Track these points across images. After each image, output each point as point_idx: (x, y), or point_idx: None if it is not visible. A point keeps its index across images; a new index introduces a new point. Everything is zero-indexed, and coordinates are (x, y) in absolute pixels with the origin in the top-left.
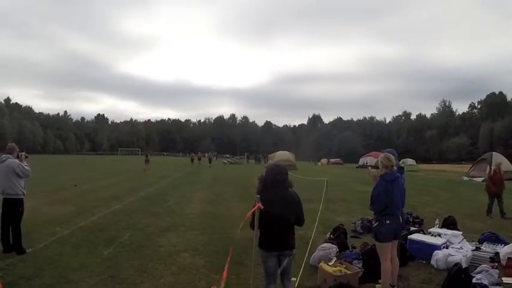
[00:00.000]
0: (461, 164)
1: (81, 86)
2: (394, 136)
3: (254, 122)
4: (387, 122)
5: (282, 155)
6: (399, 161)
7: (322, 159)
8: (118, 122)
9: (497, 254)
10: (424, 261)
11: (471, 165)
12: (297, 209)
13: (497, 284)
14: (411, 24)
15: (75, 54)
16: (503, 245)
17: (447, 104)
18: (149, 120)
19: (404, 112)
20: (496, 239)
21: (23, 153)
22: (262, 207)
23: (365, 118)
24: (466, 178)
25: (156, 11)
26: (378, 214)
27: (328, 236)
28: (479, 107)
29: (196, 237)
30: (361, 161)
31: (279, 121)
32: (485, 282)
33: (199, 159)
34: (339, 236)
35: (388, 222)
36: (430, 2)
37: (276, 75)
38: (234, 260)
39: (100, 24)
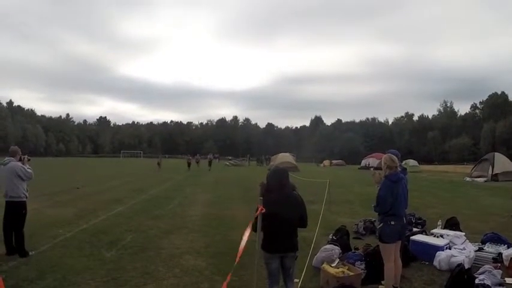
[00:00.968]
0: (464, 164)
1: (83, 89)
2: (396, 137)
3: (256, 124)
4: (390, 123)
5: (283, 157)
6: (402, 162)
7: (324, 161)
8: (120, 124)
9: (500, 254)
10: (427, 262)
11: (473, 166)
12: (300, 210)
13: (500, 285)
14: (413, 25)
15: (77, 57)
16: (506, 245)
17: (448, 104)
18: (151, 122)
19: (407, 113)
20: (498, 240)
21: (26, 156)
22: (264, 210)
23: (368, 119)
24: (468, 179)
25: (157, 13)
26: (383, 215)
27: (330, 237)
28: (481, 107)
29: (199, 239)
30: (364, 162)
31: (281, 123)
32: (488, 282)
33: (197, 162)
34: (341, 238)
35: (393, 223)
36: (431, 2)
37: (277, 76)
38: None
39: (101, 27)
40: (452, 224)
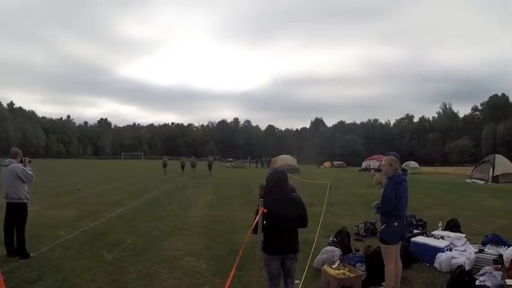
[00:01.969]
0: (464, 166)
1: (83, 91)
2: (396, 139)
3: (257, 126)
4: (391, 124)
5: (284, 159)
6: (402, 163)
7: (325, 163)
8: (121, 126)
9: (500, 256)
10: (427, 264)
11: (474, 168)
12: (300, 211)
13: (500, 286)
14: (413, 27)
15: (78, 59)
16: (506, 247)
17: (448, 106)
18: (152, 124)
19: (407, 115)
20: (499, 241)
21: (27, 158)
22: (265, 211)
23: (369, 121)
24: (469, 180)
25: (158, 14)
26: (385, 216)
27: (331, 239)
28: (481, 109)
29: (200, 241)
30: (364, 164)
31: (282, 124)
32: (489, 284)
33: (192, 165)
34: (342, 239)
35: (395, 224)
36: (432, 4)
37: (277, 78)
38: (238, 264)
39: (102, 29)
40: (452, 226)
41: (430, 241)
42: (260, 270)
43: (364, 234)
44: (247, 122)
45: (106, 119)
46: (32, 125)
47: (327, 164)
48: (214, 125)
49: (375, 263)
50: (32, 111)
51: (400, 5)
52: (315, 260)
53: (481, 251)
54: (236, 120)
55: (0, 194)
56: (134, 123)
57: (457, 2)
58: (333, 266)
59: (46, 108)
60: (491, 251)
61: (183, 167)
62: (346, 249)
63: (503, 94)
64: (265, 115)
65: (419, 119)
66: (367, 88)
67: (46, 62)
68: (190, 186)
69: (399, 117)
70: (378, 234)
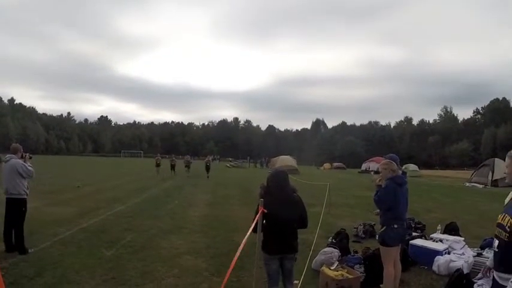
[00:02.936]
0: (464, 170)
1: (84, 88)
2: (396, 141)
3: (258, 126)
4: (392, 126)
5: (284, 160)
6: (401, 166)
7: (324, 164)
8: (121, 124)
9: None
10: (426, 267)
11: (473, 171)
12: (300, 211)
13: None
14: (414, 28)
15: (78, 56)
16: None
17: (448, 109)
18: (152, 122)
19: (406, 117)
20: None
21: (28, 154)
22: (266, 210)
23: (370, 122)
24: (468, 184)
25: (159, 12)
26: (386, 218)
27: (330, 240)
28: (482, 112)
29: (199, 240)
30: (364, 166)
31: (282, 125)
32: (487, 287)
33: (187, 165)
34: (341, 241)
35: (396, 226)
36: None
37: (278, 78)
38: (237, 263)
39: (102, 26)
40: (451, 229)
41: (428, 244)
42: (259, 269)
43: (363, 236)
44: (248, 121)
45: (106, 116)
46: (32, 121)
47: (327, 165)
48: (215, 124)
49: (373, 265)
50: (33, 107)
51: (401, 5)
52: (314, 261)
53: (479, 254)
54: (236, 120)
55: (0, 189)
56: (134, 121)
57: (458, 4)
58: (332, 267)
59: (46, 104)
60: (489, 255)
61: (173, 166)
62: (344, 250)
63: (504, 98)
64: (265, 115)
65: (419, 121)
66: (367, 89)
67: (47, 59)
68: (190, 185)
69: (399, 120)
70: (378, 236)
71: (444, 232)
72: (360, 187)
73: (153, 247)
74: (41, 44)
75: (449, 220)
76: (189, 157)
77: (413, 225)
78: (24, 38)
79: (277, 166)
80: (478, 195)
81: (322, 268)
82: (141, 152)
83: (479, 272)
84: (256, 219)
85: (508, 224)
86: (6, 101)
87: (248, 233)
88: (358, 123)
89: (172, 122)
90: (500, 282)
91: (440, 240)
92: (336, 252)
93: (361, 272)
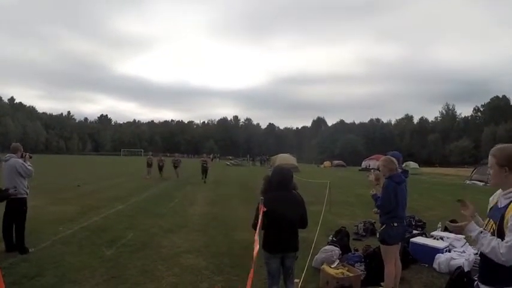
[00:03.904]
0: (464, 167)
1: (84, 87)
2: (397, 139)
3: (258, 124)
4: (392, 124)
5: (284, 158)
6: (402, 164)
7: (325, 162)
8: (121, 122)
9: None
10: (427, 265)
11: (473, 169)
12: (301, 210)
13: None
14: (415, 25)
15: (78, 55)
16: None
17: (451, 107)
18: (152, 121)
19: (406, 115)
20: None
21: (28, 153)
22: (265, 209)
23: (371, 120)
24: (468, 182)
25: (158, 11)
26: (386, 216)
27: (330, 238)
28: (482, 110)
29: (199, 239)
30: (364, 164)
31: (282, 123)
32: None
33: (175, 166)
34: (341, 239)
35: (396, 224)
36: (433, 4)
37: (278, 77)
38: (237, 261)
39: (101, 26)
40: None
41: (429, 242)
42: (260, 268)
43: (364, 233)
44: (248, 120)
45: (106, 115)
46: (32, 120)
47: (327, 163)
48: (215, 123)
49: (374, 263)
50: (32, 106)
51: (401, 3)
52: (314, 259)
53: None
54: (236, 118)
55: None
56: (134, 120)
57: (458, 1)
58: (332, 266)
59: (46, 104)
60: None
61: (160, 168)
62: (345, 248)
63: (504, 96)
64: (265, 113)
65: (420, 119)
66: (368, 87)
67: (47, 58)
68: (190, 183)
69: (399, 117)
70: (378, 234)
71: (445, 230)
72: (360, 185)
73: (154, 246)
74: (40, 44)
75: (450, 218)
76: (177, 155)
77: (413, 223)
78: (24, 38)
79: (277, 164)
80: (479, 192)
81: (322, 266)
82: (142, 150)
83: None
84: (260, 218)
85: (491, 230)
86: (6, 101)
87: (257, 234)
88: (358, 121)
89: (173, 120)
90: None
91: (441, 238)
92: (336, 251)
93: (361, 270)
